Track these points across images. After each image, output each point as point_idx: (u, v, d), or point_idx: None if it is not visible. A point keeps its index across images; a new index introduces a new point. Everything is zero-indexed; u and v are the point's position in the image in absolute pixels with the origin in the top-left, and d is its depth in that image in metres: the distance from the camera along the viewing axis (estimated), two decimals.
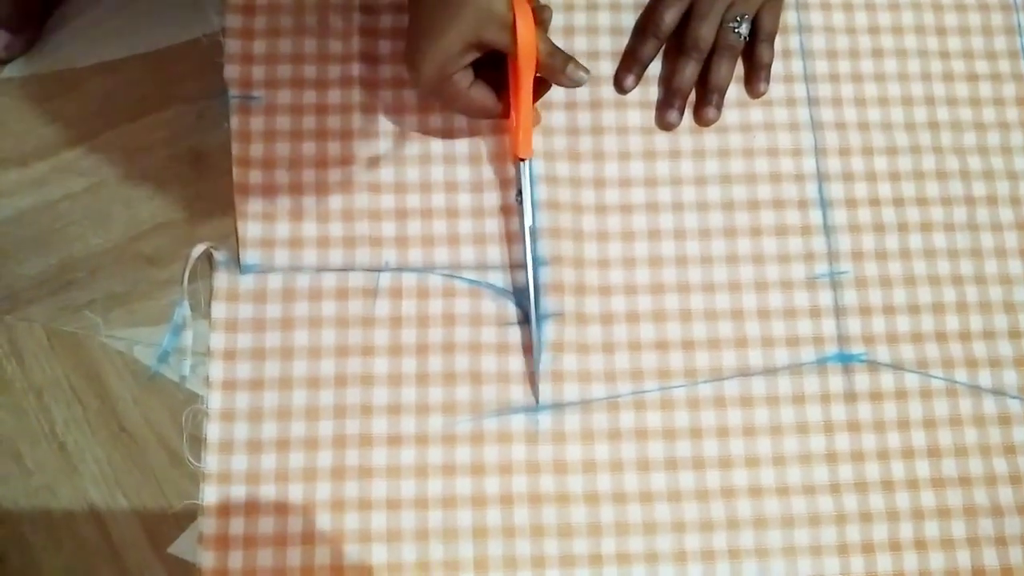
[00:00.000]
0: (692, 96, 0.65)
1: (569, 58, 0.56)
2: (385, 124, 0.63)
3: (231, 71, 0.64)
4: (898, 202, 0.64)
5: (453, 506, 0.56)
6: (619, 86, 0.64)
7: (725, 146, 0.64)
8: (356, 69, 0.64)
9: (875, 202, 0.64)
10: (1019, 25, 0.69)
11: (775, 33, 0.65)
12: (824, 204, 0.63)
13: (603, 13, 0.66)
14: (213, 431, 0.57)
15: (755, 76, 0.64)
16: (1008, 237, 0.64)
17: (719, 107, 0.64)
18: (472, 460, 0.57)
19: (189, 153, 0.63)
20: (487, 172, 0.63)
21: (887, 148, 0.65)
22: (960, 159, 0.65)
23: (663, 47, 0.65)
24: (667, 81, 0.64)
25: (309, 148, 0.62)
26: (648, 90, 0.65)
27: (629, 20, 0.66)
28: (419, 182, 0.62)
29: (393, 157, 0.62)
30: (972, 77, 0.67)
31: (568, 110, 0.64)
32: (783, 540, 0.58)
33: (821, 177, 0.64)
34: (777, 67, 0.66)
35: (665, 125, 0.63)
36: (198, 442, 0.57)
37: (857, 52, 0.67)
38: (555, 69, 0.56)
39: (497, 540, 0.56)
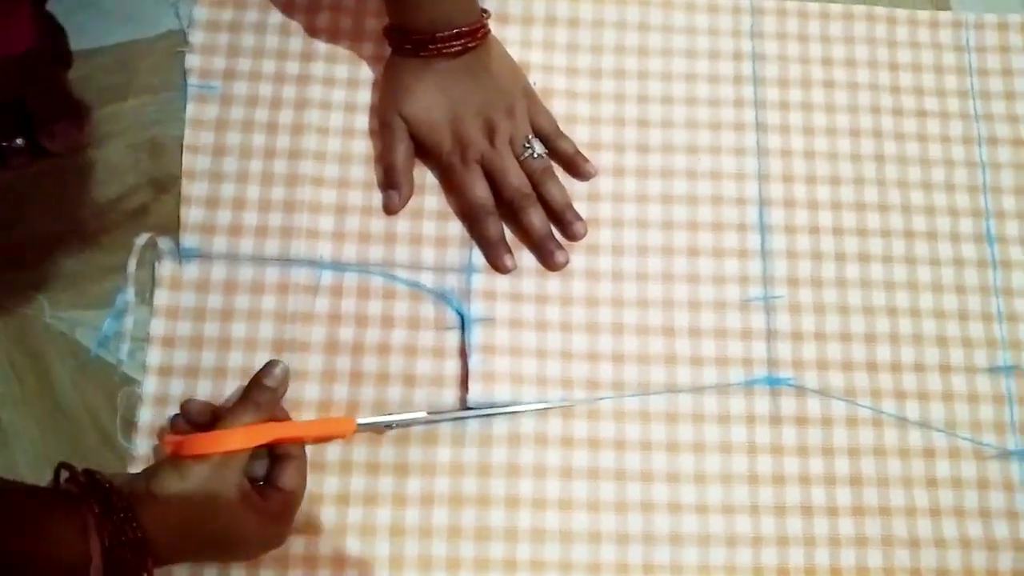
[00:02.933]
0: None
1: None
2: (336, 121, 0.63)
3: (192, 60, 0.64)
4: (838, 231, 0.64)
5: (373, 504, 0.56)
6: (504, 270, 0.61)
7: (669, 167, 0.64)
8: (314, 68, 0.64)
9: (815, 230, 0.64)
10: (970, 65, 0.68)
11: (556, 124, 0.63)
12: (763, 229, 0.63)
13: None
14: (145, 415, 0.57)
15: (573, 165, 0.63)
16: (945, 272, 0.64)
17: (579, 218, 0.61)
18: (396, 460, 0.57)
19: (148, 143, 0.63)
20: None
21: (831, 177, 0.65)
22: (903, 193, 0.65)
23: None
24: (528, 237, 0.61)
25: (259, 139, 0.62)
26: (599, 106, 0.65)
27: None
28: (363, 180, 0.62)
29: (340, 154, 0.62)
30: (921, 113, 0.67)
31: None
32: (698, 558, 0.57)
33: (763, 202, 0.64)
34: (728, 91, 0.66)
35: (556, 266, 0.61)
36: (130, 425, 0.57)
37: (809, 82, 0.67)
38: None
39: (413, 540, 0.56)
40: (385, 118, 0.61)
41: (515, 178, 0.60)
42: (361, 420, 0.56)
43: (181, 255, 0.60)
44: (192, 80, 0.63)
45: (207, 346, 0.58)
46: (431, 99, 0.59)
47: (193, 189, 0.61)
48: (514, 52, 0.64)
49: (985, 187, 0.66)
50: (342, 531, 0.56)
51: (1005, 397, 0.62)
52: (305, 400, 0.58)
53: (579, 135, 0.64)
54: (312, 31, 0.65)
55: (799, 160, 0.65)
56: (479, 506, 0.57)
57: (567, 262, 0.61)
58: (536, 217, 0.60)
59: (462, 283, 0.61)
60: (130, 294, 0.60)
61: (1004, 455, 0.61)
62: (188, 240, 0.60)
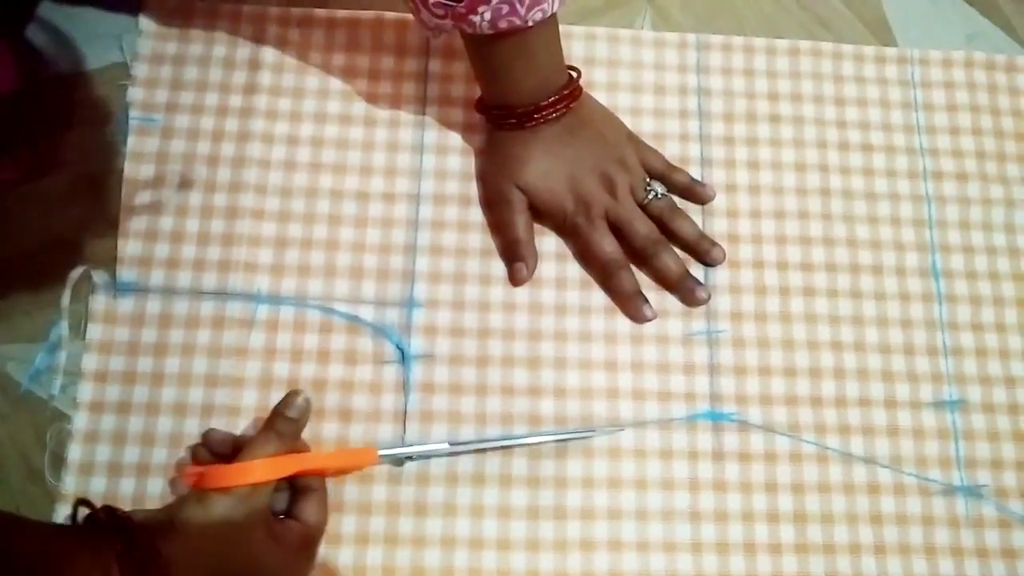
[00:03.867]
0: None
1: None
2: (278, 154, 0.63)
3: (134, 93, 0.64)
4: (782, 266, 0.64)
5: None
6: (643, 320, 0.61)
7: None
8: (257, 101, 0.64)
9: (759, 264, 0.64)
10: (916, 100, 0.69)
11: (665, 160, 0.64)
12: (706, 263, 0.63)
13: None
14: (75, 451, 0.57)
15: (692, 193, 0.64)
16: (891, 306, 0.64)
17: (715, 244, 0.63)
18: (332, 499, 0.56)
19: (89, 176, 0.63)
20: (373, 209, 0.62)
21: (775, 212, 0.65)
22: (848, 227, 0.65)
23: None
24: (665, 281, 0.62)
25: (200, 172, 0.62)
26: None
27: None
28: (303, 213, 0.62)
29: (281, 188, 0.62)
30: (867, 148, 0.68)
31: (464, 155, 0.64)
32: None
33: None
34: (674, 126, 0.66)
35: (699, 303, 0.62)
36: (59, 461, 0.56)
37: (754, 116, 0.67)
38: None
39: None
40: (502, 193, 0.61)
41: (642, 226, 0.61)
42: (382, 452, 0.55)
43: (117, 289, 0.59)
44: (134, 113, 0.63)
45: (140, 381, 0.58)
46: (546, 166, 0.60)
47: (131, 222, 0.61)
48: (459, 87, 0.65)
49: (931, 221, 0.66)
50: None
51: (951, 432, 0.62)
52: (237, 435, 0.57)
53: None
54: (255, 65, 0.65)
55: (744, 195, 0.65)
56: (414, 546, 0.56)
57: (709, 297, 0.62)
58: (671, 260, 0.61)
59: (403, 318, 0.60)
60: (64, 328, 0.59)
61: (949, 491, 0.60)
62: (125, 274, 0.60)
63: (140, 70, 0.64)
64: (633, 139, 0.64)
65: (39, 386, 0.58)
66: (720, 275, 0.63)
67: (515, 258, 0.61)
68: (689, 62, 0.68)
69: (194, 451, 0.55)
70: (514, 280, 0.61)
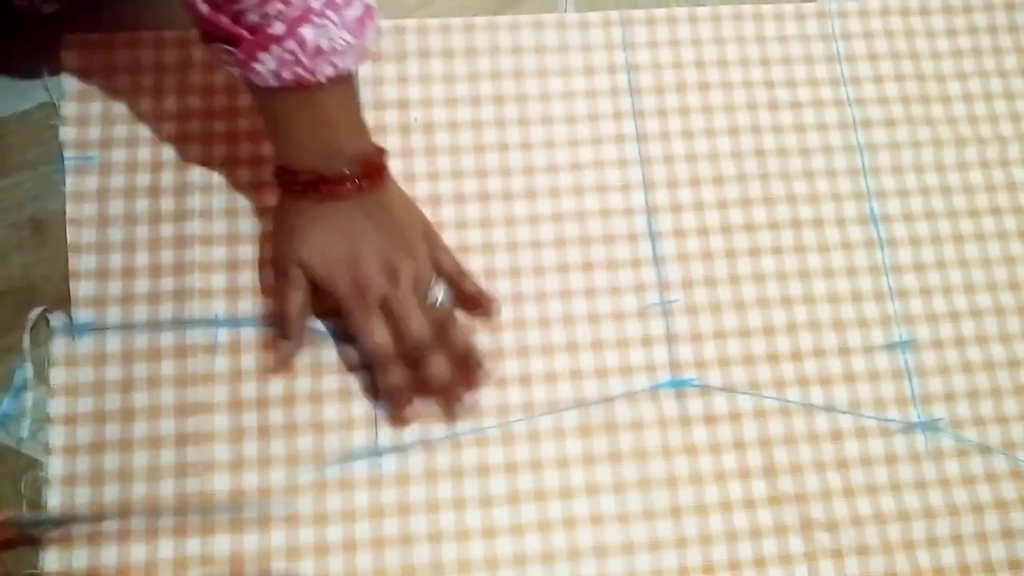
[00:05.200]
0: None
1: None
2: (220, 177, 0.65)
3: (67, 133, 0.65)
4: (726, 229, 0.67)
5: (296, 557, 0.58)
6: (405, 423, 0.61)
7: (555, 185, 0.67)
8: (192, 125, 0.66)
9: (703, 231, 0.67)
10: (838, 53, 0.73)
11: (458, 263, 0.62)
12: (653, 236, 0.66)
13: None
14: (54, 496, 0.58)
15: (478, 304, 0.63)
16: (835, 257, 0.68)
17: (480, 364, 0.61)
18: (315, 510, 0.59)
19: (29, 221, 0.64)
20: None
21: (714, 178, 0.68)
22: (786, 184, 0.69)
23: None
24: (429, 388, 0.60)
25: (143, 205, 0.64)
26: (480, 134, 0.68)
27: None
28: (251, 233, 0.64)
29: (226, 210, 0.64)
30: (796, 105, 0.71)
31: (403, 157, 0.67)
32: (624, 566, 0.60)
33: (650, 210, 0.67)
34: (606, 105, 0.69)
35: (457, 417, 0.61)
36: (38, 508, 0.58)
37: (684, 86, 0.70)
38: None
39: None
40: (281, 266, 0.59)
41: (417, 327, 0.57)
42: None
43: (75, 330, 0.61)
44: (68, 152, 0.64)
45: (110, 419, 0.60)
46: (326, 242, 0.58)
47: (80, 263, 0.62)
48: (392, 89, 0.67)
49: (864, 169, 0.70)
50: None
51: (904, 371, 0.66)
52: (216, 460, 0.59)
53: (465, 163, 0.67)
54: (184, 90, 0.66)
55: (681, 164, 0.68)
56: (402, 545, 0.59)
57: (471, 410, 0.62)
58: (438, 368, 0.59)
59: None
60: (28, 370, 0.60)
61: (908, 428, 0.65)
62: (80, 315, 0.61)
63: (69, 108, 0.66)
64: (430, 236, 0.62)
65: (6, 432, 0.60)
66: (667, 245, 0.67)
67: (283, 335, 0.60)
68: (615, 40, 0.71)
69: None
70: (279, 360, 0.60)
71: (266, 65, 0.52)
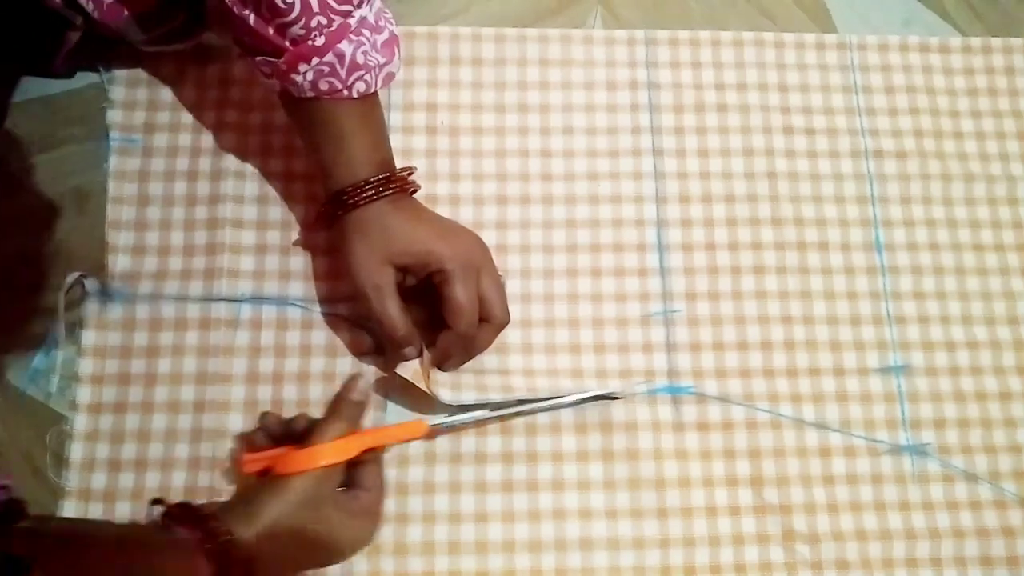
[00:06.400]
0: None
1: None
2: (252, 166, 0.71)
3: (113, 115, 0.72)
4: (733, 247, 0.72)
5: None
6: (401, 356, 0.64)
7: (571, 192, 0.72)
8: (230, 115, 0.72)
9: (711, 246, 0.72)
10: (855, 84, 0.77)
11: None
12: (661, 248, 0.71)
13: None
14: (76, 450, 0.65)
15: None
16: (836, 280, 0.72)
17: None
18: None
19: (73, 191, 0.70)
20: None
21: (725, 196, 0.73)
22: (795, 207, 0.74)
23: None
24: (441, 357, 0.65)
25: (180, 188, 0.70)
26: (503, 139, 0.73)
27: None
28: (280, 220, 0.70)
29: (258, 196, 0.70)
30: (810, 131, 0.76)
31: (428, 157, 0.72)
32: (608, 561, 0.65)
33: (660, 223, 0.72)
34: (626, 120, 0.75)
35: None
36: (60, 460, 0.64)
37: (702, 106, 0.76)
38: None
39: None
40: (369, 281, 0.62)
41: (503, 314, 0.64)
42: (432, 421, 0.63)
43: (107, 296, 0.67)
44: (114, 134, 0.71)
45: (134, 382, 0.66)
46: (409, 226, 0.62)
47: (119, 238, 0.69)
48: (421, 92, 0.73)
49: (873, 198, 0.75)
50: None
51: (896, 395, 0.70)
52: (229, 429, 0.65)
53: (485, 167, 0.73)
54: (226, 83, 0.73)
55: (695, 181, 0.73)
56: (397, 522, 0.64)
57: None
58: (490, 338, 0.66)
59: None
60: (60, 331, 0.67)
61: (896, 450, 0.69)
62: (114, 287, 0.67)
63: (117, 93, 0.72)
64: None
65: (36, 387, 0.66)
66: (674, 258, 0.72)
67: (401, 344, 0.63)
68: (638, 58, 0.77)
69: (250, 438, 0.60)
70: (401, 370, 0.63)
71: (305, 76, 0.58)
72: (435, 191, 0.72)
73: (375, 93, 0.62)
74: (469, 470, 0.66)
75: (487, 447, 0.66)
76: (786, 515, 0.67)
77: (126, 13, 0.64)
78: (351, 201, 0.61)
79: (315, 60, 0.58)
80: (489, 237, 0.69)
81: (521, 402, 0.65)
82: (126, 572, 0.48)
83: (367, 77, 0.60)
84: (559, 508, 0.66)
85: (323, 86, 0.59)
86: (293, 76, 0.58)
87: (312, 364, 0.67)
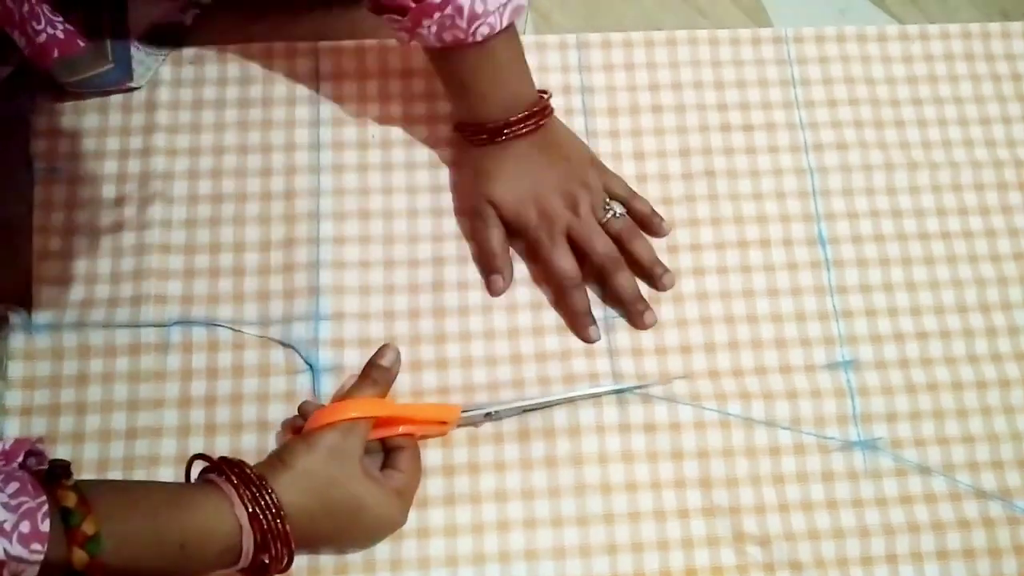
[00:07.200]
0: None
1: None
2: (180, 188, 0.72)
3: (37, 144, 0.73)
4: (672, 249, 0.73)
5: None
6: (589, 341, 0.70)
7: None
8: (157, 139, 0.73)
9: (665, 250, 0.73)
10: (793, 77, 0.78)
11: (628, 186, 0.72)
12: None
13: None
14: None
15: (650, 224, 0.73)
16: (780, 276, 0.73)
17: (667, 270, 0.71)
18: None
19: None
20: (276, 231, 0.71)
21: (663, 199, 0.74)
22: (734, 205, 0.74)
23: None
24: (618, 300, 0.70)
25: (107, 215, 0.71)
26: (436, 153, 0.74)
27: None
28: (208, 243, 0.71)
29: (185, 221, 0.71)
30: (748, 128, 0.77)
31: (359, 171, 0.73)
32: (555, 571, 0.65)
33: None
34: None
35: (645, 327, 0.71)
36: None
37: (637, 108, 0.77)
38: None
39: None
40: (475, 207, 0.71)
41: (602, 245, 0.69)
42: (465, 411, 0.66)
43: (32, 328, 0.68)
44: (39, 164, 0.72)
45: (64, 412, 0.67)
46: (514, 182, 0.69)
47: (45, 269, 0.69)
48: (351, 106, 0.74)
49: (815, 192, 0.75)
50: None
51: (846, 390, 0.71)
52: (162, 455, 0.66)
53: (419, 179, 0.74)
54: (152, 106, 0.74)
55: (632, 185, 0.74)
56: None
57: (655, 322, 0.71)
58: (625, 280, 0.70)
59: (310, 332, 0.69)
60: None
61: (847, 446, 0.69)
62: (41, 317, 0.68)
63: (40, 122, 0.73)
64: (597, 163, 0.72)
65: None
66: None
67: (491, 270, 0.70)
68: (571, 62, 0.78)
69: (291, 423, 0.66)
70: (491, 291, 0.71)
71: (429, 31, 0.63)
72: (368, 205, 0.73)
73: (506, 28, 0.65)
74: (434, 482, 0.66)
75: (426, 460, 0.67)
76: (736, 516, 0.67)
77: (56, 54, 0.66)
78: (476, 140, 0.69)
79: (436, 15, 0.62)
80: (419, 249, 0.70)
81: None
82: (172, 520, 0.53)
83: (490, 20, 0.63)
84: (503, 519, 0.66)
85: (447, 37, 0.63)
86: (419, 31, 0.63)
87: (245, 385, 0.68)
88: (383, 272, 0.71)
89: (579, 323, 0.70)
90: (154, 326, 0.68)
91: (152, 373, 0.68)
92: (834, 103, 0.78)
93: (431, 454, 0.67)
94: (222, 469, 0.56)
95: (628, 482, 0.67)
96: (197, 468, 0.59)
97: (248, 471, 0.56)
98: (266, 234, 0.72)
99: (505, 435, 0.68)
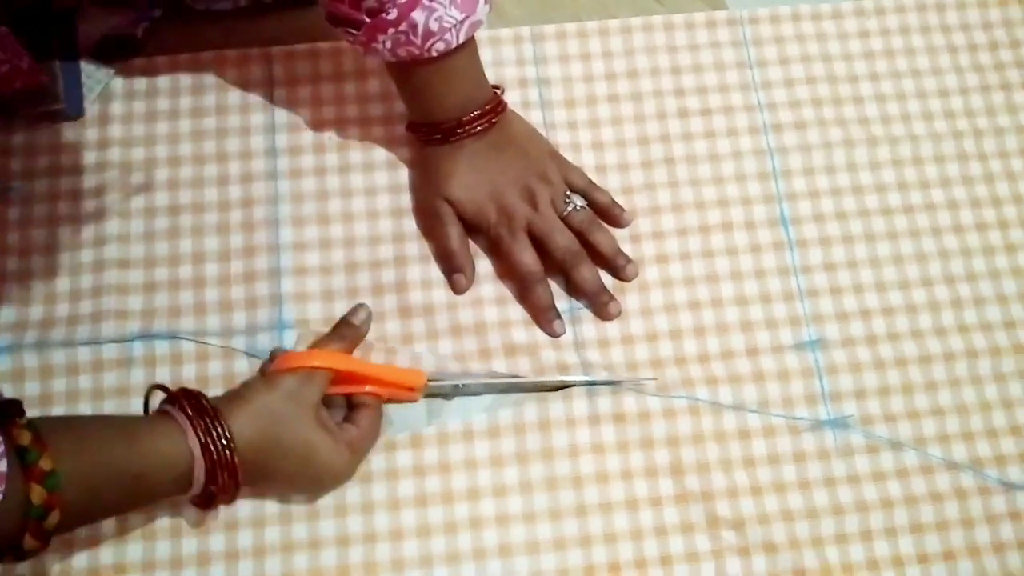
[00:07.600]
0: None
1: None
2: (136, 202, 0.72)
3: None
4: (635, 238, 0.74)
5: (207, 562, 0.65)
6: (554, 335, 0.71)
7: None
8: (111, 154, 0.73)
9: (628, 239, 0.74)
10: (749, 59, 0.79)
11: (587, 178, 0.73)
12: None
13: None
14: None
15: (610, 215, 0.73)
16: (743, 259, 0.74)
17: (629, 261, 0.72)
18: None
19: None
20: (235, 240, 0.72)
21: (623, 188, 0.75)
22: (695, 191, 0.75)
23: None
24: (581, 292, 0.71)
25: (64, 233, 0.71)
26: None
27: None
28: (167, 256, 0.71)
29: (144, 234, 0.71)
30: (706, 112, 0.77)
31: (317, 175, 0.74)
32: (529, 565, 0.66)
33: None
34: None
35: (611, 317, 0.71)
36: None
37: (594, 99, 0.77)
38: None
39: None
40: (432, 207, 0.71)
41: (562, 238, 0.70)
42: (430, 380, 0.68)
43: None
44: None
45: None
46: (470, 179, 0.70)
47: (1, 290, 0.70)
48: (305, 111, 0.75)
49: (775, 173, 0.76)
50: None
51: (814, 370, 0.71)
52: None
53: (378, 180, 0.74)
54: (104, 120, 0.74)
55: (591, 176, 0.74)
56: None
57: (620, 312, 0.71)
58: (588, 273, 0.70)
59: (274, 341, 0.69)
60: None
61: (817, 426, 0.70)
62: (0, 340, 0.69)
63: None
64: (556, 156, 0.73)
65: None
66: None
67: (452, 269, 0.71)
68: (526, 55, 0.78)
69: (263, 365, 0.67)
70: (454, 289, 0.71)
71: (384, 45, 0.63)
72: (327, 209, 0.73)
73: (462, 44, 0.65)
74: (381, 488, 0.67)
75: (396, 462, 0.67)
76: (709, 502, 0.68)
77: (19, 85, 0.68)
78: (430, 140, 0.70)
79: (390, 31, 0.62)
80: (380, 251, 0.71)
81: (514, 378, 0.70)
82: (127, 451, 0.55)
83: (446, 37, 0.63)
84: (475, 516, 0.67)
85: (402, 52, 0.64)
86: (373, 46, 0.64)
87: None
88: (345, 276, 0.72)
89: (543, 318, 0.71)
90: (115, 342, 0.69)
91: (115, 390, 0.68)
92: (791, 82, 0.79)
93: (401, 456, 0.68)
94: (179, 400, 0.58)
95: (599, 473, 0.68)
96: (155, 401, 0.61)
97: (204, 402, 0.58)
98: (225, 243, 0.72)
99: (475, 433, 0.68)
